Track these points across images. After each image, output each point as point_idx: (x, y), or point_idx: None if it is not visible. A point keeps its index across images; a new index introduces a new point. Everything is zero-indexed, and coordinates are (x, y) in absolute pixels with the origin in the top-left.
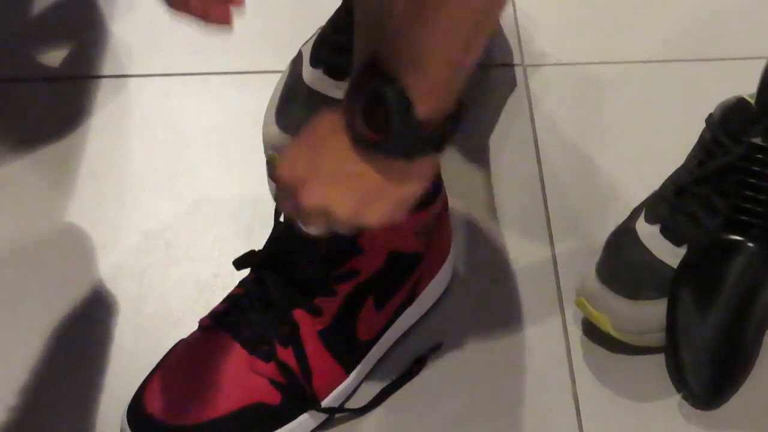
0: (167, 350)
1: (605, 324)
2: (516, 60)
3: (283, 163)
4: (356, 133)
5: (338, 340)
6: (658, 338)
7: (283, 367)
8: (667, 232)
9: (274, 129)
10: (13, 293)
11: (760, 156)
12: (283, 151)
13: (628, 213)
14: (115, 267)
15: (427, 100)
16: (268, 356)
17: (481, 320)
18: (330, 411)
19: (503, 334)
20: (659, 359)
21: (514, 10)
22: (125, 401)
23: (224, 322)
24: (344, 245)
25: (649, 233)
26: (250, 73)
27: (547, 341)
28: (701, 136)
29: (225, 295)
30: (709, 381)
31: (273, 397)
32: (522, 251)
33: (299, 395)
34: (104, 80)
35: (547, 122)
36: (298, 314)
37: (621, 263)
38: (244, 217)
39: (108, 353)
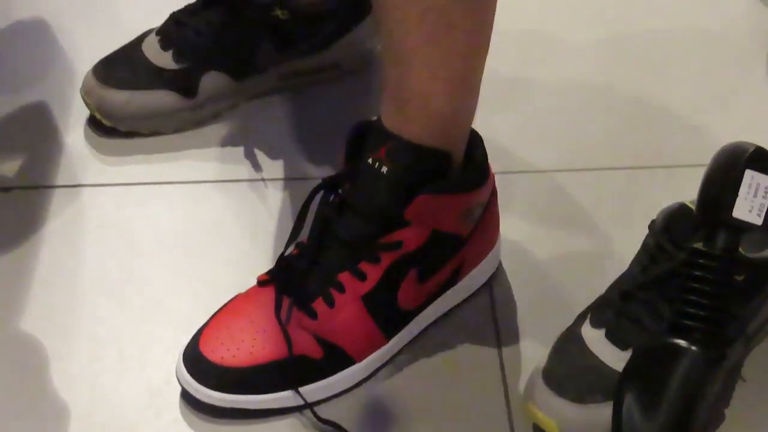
0: None
1: (552, 428)
2: None
3: None
4: None
5: (380, 306)
6: None
7: (326, 325)
8: (613, 337)
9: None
10: None
11: (702, 261)
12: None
13: (573, 318)
14: (67, 375)
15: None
16: (314, 314)
17: (428, 420)
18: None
19: None
20: None
21: None
22: None
23: (278, 278)
24: (391, 215)
25: (594, 337)
26: (203, 182)
27: None
28: (645, 242)
29: (177, 401)
30: None
31: (316, 351)
32: (470, 355)
33: (339, 353)
34: (58, 190)
35: (514, 272)
36: (344, 277)
37: (567, 367)
38: (196, 323)
39: None
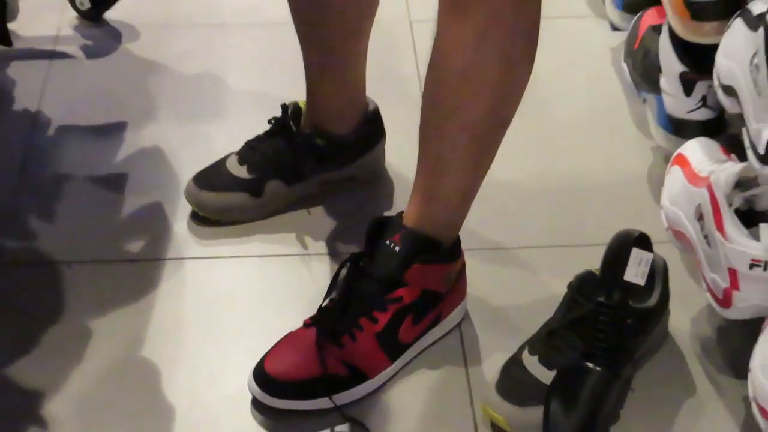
0: None
1: (503, 423)
2: None
3: None
4: None
5: (387, 340)
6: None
7: (350, 353)
8: (543, 361)
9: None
10: None
11: (604, 310)
12: None
13: (517, 348)
14: (175, 388)
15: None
16: (342, 345)
17: (414, 415)
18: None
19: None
20: None
21: None
22: None
23: (317, 321)
24: (395, 281)
25: (531, 361)
26: (267, 256)
27: None
28: (565, 296)
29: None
30: None
31: (342, 371)
32: (445, 374)
33: (359, 373)
34: (168, 261)
35: (476, 316)
36: (363, 321)
37: (512, 382)
38: (261, 352)
39: None
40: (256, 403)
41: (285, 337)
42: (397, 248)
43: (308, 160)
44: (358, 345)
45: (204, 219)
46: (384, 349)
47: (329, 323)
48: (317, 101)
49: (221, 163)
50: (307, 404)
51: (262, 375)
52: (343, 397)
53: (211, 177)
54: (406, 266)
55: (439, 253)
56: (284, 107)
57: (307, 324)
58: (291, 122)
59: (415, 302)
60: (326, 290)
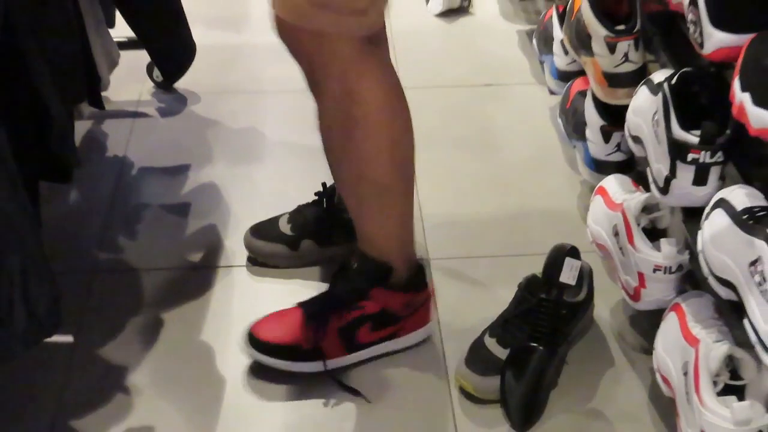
0: None
1: (470, 388)
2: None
3: None
4: None
5: (345, 335)
6: (496, 395)
7: (316, 335)
8: (500, 342)
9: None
10: None
11: (545, 304)
12: None
13: (480, 332)
14: (212, 363)
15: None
16: (316, 328)
17: (401, 383)
18: (330, 372)
19: (408, 398)
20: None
21: (422, 220)
22: None
23: (303, 305)
24: (361, 294)
25: (491, 342)
26: (295, 288)
27: (438, 399)
28: (516, 293)
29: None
30: (521, 418)
31: (309, 344)
32: (422, 354)
33: (319, 351)
34: (220, 269)
35: (449, 309)
36: (333, 315)
37: (477, 357)
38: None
39: None
40: (279, 374)
41: (273, 313)
42: (355, 265)
43: (338, 230)
44: (325, 332)
45: (251, 259)
46: (343, 341)
47: (311, 308)
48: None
49: (276, 219)
50: (291, 365)
51: (252, 338)
52: (304, 367)
53: (263, 229)
54: (369, 285)
55: (395, 278)
56: (324, 186)
57: (296, 304)
58: (327, 198)
59: (375, 314)
60: (319, 293)
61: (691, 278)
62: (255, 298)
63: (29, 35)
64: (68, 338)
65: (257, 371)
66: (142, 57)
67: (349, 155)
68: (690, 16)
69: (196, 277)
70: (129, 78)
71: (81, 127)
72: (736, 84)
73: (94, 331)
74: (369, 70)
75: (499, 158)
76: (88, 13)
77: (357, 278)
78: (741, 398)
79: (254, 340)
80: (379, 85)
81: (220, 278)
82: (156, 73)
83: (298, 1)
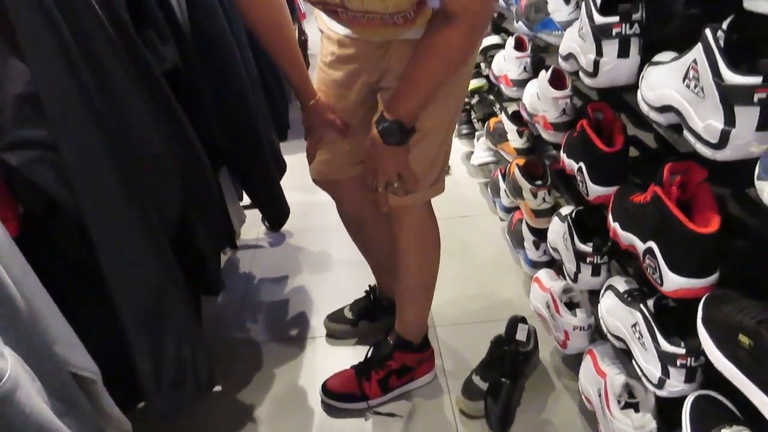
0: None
1: (465, 409)
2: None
3: (366, 167)
4: (385, 140)
5: (383, 383)
6: (482, 413)
7: (362, 385)
8: (482, 378)
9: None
10: None
11: (508, 353)
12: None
13: (469, 373)
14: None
15: (408, 122)
16: (366, 378)
17: (416, 409)
18: (371, 407)
19: (425, 418)
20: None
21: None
22: None
23: (354, 367)
24: (388, 357)
25: (477, 379)
26: (351, 348)
27: (444, 417)
28: (490, 347)
29: (319, 403)
30: (500, 426)
31: (359, 391)
32: (431, 390)
33: (365, 395)
34: (307, 339)
35: (450, 358)
36: (373, 372)
37: (469, 388)
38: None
39: None
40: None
41: (337, 372)
42: (391, 341)
43: (381, 312)
44: (370, 382)
45: (326, 335)
46: (380, 387)
47: (359, 368)
48: (381, 284)
49: (343, 308)
50: (348, 405)
51: (324, 387)
52: (356, 405)
53: (334, 315)
54: (395, 350)
55: (412, 347)
56: (369, 286)
57: (351, 367)
58: (372, 293)
59: (398, 369)
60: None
61: (599, 332)
62: (330, 358)
63: (192, 210)
64: (218, 388)
65: (329, 408)
66: (258, 214)
67: (412, 270)
68: None
69: (293, 345)
70: (251, 226)
71: (224, 257)
72: (610, 217)
73: (231, 379)
74: (430, 213)
75: (471, 261)
76: (226, 191)
77: (386, 348)
78: (637, 411)
79: (326, 390)
80: (434, 222)
81: (308, 345)
82: (266, 222)
83: (418, 196)
